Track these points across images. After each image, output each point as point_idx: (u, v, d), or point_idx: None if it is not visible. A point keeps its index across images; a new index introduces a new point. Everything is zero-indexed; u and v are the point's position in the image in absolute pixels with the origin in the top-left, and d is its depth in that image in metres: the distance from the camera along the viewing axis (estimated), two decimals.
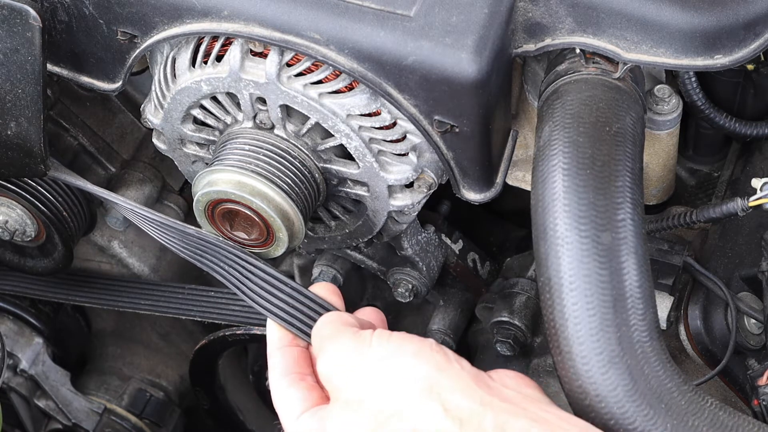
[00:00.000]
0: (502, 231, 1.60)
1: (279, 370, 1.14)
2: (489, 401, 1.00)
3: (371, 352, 1.05)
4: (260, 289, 1.18)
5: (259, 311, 1.17)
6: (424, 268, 1.40)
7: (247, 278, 1.19)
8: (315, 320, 1.16)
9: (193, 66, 1.18)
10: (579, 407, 1.01)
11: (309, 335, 1.16)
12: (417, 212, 1.25)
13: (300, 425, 1.08)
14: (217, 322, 1.42)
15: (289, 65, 1.15)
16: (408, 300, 1.42)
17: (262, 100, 1.18)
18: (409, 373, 1.02)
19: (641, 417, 0.98)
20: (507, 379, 1.05)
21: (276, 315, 1.16)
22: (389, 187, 1.20)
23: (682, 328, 1.29)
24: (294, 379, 1.12)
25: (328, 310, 1.16)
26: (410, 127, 1.16)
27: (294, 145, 1.20)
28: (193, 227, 1.22)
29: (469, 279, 1.49)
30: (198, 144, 1.27)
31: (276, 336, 1.16)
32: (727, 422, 0.99)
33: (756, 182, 1.15)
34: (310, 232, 1.31)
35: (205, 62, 1.17)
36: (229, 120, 1.22)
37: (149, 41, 1.19)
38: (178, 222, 1.23)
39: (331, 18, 1.12)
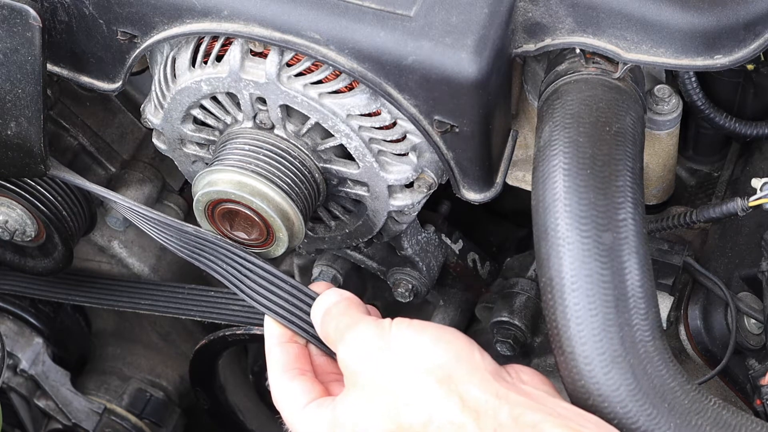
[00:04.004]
0: (502, 231, 1.60)
1: (279, 365, 1.14)
2: (505, 394, 1.00)
3: (391, 339, 1.05)
4: (259, 287, 1.18)
5: (258, 309, 1.17)
6: (424, 268, 1.40)
7: (245, 276, 1.19)
8: None
9: (193, 66, 1.18)
10: (582, 407, 1.01)
11: (309, 333, 1.16)
12: (417, 212, 1.25)
13: (307, 415, 1.08)
14: (217, 322, 1.42)
15: (289, 65, 1.15)
16: (408, 300, 1.42)
17: (262, 100, 1.18)
18: (427, 360, 1.02)
19: (644, 416, 0.98)
20: (523, 375, 1.06)
21: (275, 312, 1.16)
22: (389, 187, 1.21)
23: (682, 328, 1.29)
24: (295, 373, 1.12)
25: None
26: (410, 127, 1.16)
27: (294, 145, 1.20)
28: (190, 225, 1.22)
29: (469, 279, 1.49)
30: (198, 144, 1.27)
31: (275, 332, 1.16)
32: (731, 421, 0.99)
33: (756, 182, 1.15)
34: (310, 232, 1.31)
35: (205, 62, 1.17)
36: (229, 120, 1.22)
37: (149, 41, 1.19)
38: (176, 220, 1.23)
39: (331, 18, 1.12)
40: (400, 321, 1.07)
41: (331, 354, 1.16)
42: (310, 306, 1.16)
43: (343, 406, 1.05)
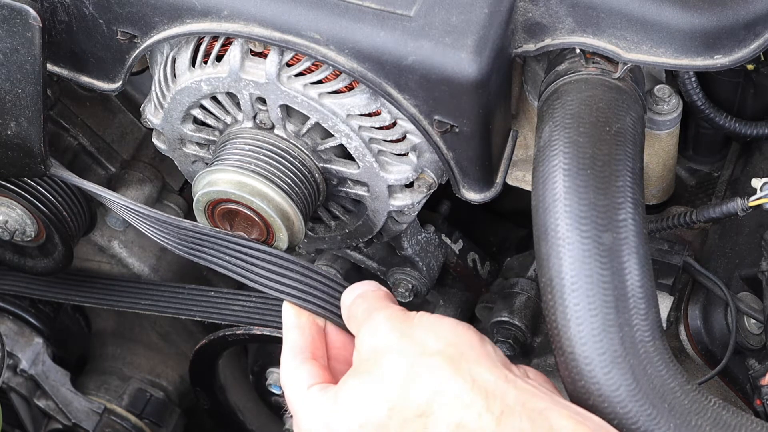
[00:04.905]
0: (502, 231, 1.60)
1: (293, 348, 1.14)
2: (513, 380, 1.01)
3: (412, 327, 1.06)
4: (269, 273, 1.18)
5: (272, 295, 1.17)
6: (424, 268, 1.40)
7: (253, 264, 1.18)
8: (330, 296, 1.16)
9: (193, 66, 1.18)
10: (582, 407, 1.01)
11: (327, 310, 1.16)
12: (417, 212, 1.25)
13: (308, 397, 1.08)
14: (217, 322, 1.42)
15: (289, 65, 1.15)
16: (408, 300, 1.42)
17: (262, 100, 1.18)
18: (440, 342, 1.03)
19: (644, 417, 0.98)
20: (529, 372, 1.07)
21: (290, 295, 1.16)
22: (389, 187, 1.21)
23: (682, 328, 1.29)
24: (307, 356, 1.12)
25: (342, 285, 1.17)
26: (410, 127, 1.16)
27: (294, 145, 1.20)
28: (188, 221, 1.22)
29: (469, 279, 1.49)
30: (198, 144, 1.27)
31: (291, 314, 1.16)
32: (731, 421, 0.99)
33: (756, 182, 1.15)
34: (310, 232, 1.31)
35: (205, 62, 1.17)
36: (229, 120, 1.22)
37: (149, 41, 1.19)
38: (174, 217, 1.23)
39: (331, 18, 1.12)
40: (423, 313, 1.08)
41: (347, 331, 1.16)
42: (323, 285, 1.16)
43: (345, 389, 1.05)
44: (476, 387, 0.99)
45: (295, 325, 1.15)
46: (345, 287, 1.16)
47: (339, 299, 1.16)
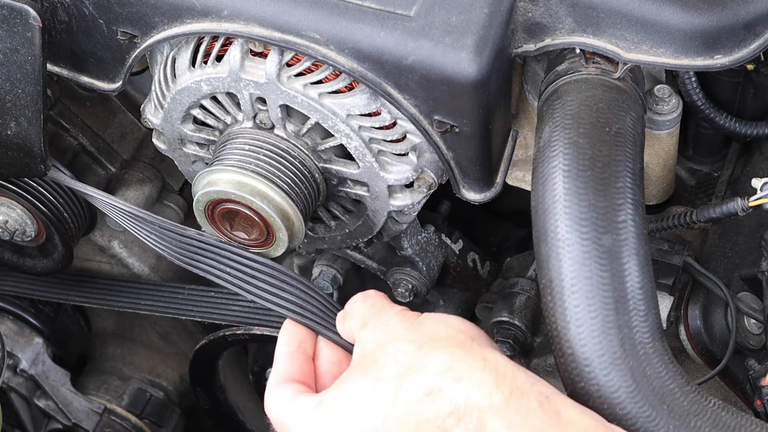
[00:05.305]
0: (502, 231, 1.60)
1: (279, 373, 1.14)
2: (519, 366, 1.02)
3: (421, 322, 1.07)
4: (268, 286, 1.18)
5: (272, 309, 1.18)
6: (424, 268, 1.40)
7: (252, 277, 1.19)
8: (326, 313, 1.17)
9: (193, 66, 1.18)
10: None
11: (323, 326, 1.16)
12: (417, 212, 1.25)
13: (295, 404, 1.08)
14: (217, 322, 1.42)
15: (289, 65, 1.15)
16: (408, 300, 1.42)
17: (262, 100, 1.18)
18: (451, 330, 1.05)
19: (643, 418, 0.99)
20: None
21: (287, 309, 1.17)
22: (389, 187, 1.21)
23: (682, 328, 1.29)
24: (292, 379, 1.12)
25: (335, 307, 1.18)
26: (410, 127, 1.16)
27: (294, 145, 1.20)
28: (193, 230, 1.22)
29: (469, 279, 1.49)
30: (198, 144, 1.27)
31: (283, 340, 1.16)
32: (730, 422, 0.99)
33: (756, 182, 1.15)
34: (310, 232, 1.31)
35: (205, 62, 1.17)
36: (229, 120, 1.22)
37: (149, 41, 1.19)
38: (178, 225, 1.23)
39: (331, 18, 1.12)
40: (428, 314, 1.09)
41: (346, 346, 1.16)
42: (321, 303, 1.17)
43: (336, 392, 1.05)
44: (488, 366, 1.00)
45: (285, 352, 1.15)
46: (339, 309, 1.17)
47: (335, 317, 1.17)
